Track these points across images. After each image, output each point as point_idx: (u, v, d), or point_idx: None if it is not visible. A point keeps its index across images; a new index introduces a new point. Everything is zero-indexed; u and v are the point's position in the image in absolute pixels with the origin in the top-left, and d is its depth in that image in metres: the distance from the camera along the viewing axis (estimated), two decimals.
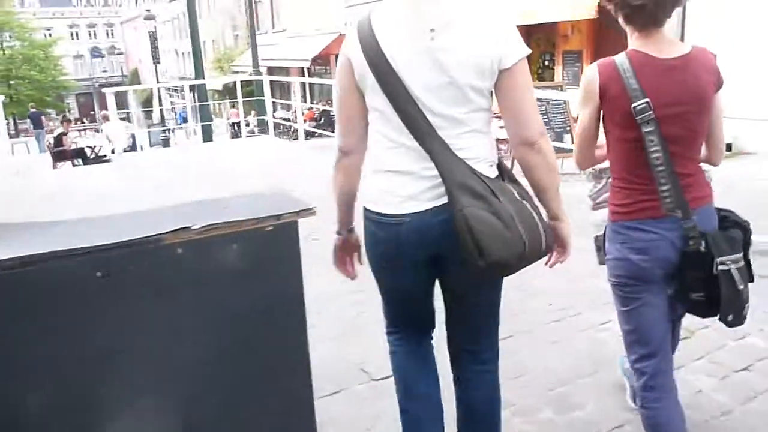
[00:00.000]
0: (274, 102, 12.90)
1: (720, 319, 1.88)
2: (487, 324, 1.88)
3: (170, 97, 35.22)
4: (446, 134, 1.62)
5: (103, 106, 17.64)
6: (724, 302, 1.82)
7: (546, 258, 1.75)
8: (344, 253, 1.94)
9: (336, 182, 1.82)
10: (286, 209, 1.53)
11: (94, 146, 12.37)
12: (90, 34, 59.13)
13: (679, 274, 1.85)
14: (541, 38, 14.27)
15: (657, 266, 1.86)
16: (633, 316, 1.94)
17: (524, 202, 1.64)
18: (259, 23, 29.80)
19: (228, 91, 24.75)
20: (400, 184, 1.66)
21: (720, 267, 1.79)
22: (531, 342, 3.10)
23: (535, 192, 1.73)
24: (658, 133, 1.77)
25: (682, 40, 10.90)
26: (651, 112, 1.76)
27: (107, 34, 60.12)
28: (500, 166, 1.73)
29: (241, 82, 12.17)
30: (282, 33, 26.91)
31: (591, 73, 1.85)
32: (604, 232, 1.98)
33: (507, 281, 1.81)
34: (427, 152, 1.62)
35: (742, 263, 1.83)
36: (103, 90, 11.55)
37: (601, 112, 1.87)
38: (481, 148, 1.67)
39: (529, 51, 1.64)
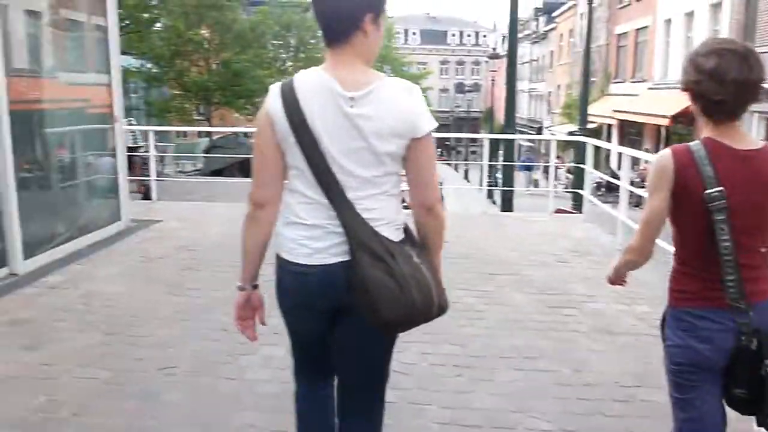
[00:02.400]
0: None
1: (758, 420, 1.89)
2: (369, 380, 1.95)
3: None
4: (355, 195, 1.72)
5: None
6: (767, 403, 1.82)
7: None
8: (246, 311, 1.95)
9: (248, 234, 1.86)
10: None
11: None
12: (457, 71, 63.95)
13: (728, 367, 1.88)
14: None
15: (720, 356, 1.86)
16: (690, 405, 1.92)
17: (422, 265, 1.73)
18: (618, 70, 27.49)
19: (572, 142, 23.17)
20: (312, 237, 1.75)
21: (767, 369, 1.79)
22: None
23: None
24: (729, 222, 1.78)
25: None
26: (724, 200, 1.77)
27: (472, 71, 64.34)
28: (406, 230, 1.82)
29: (573, 133, 10.73)
30: (642, 83, 23.66)
31: (665, 158, 1.83)
32: (663, 316, 1.96)
33: None
34: (335, 210, 1.72)
35: None
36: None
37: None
38: (388, 210, 1.77)
39: (436, 124, 1.74)
